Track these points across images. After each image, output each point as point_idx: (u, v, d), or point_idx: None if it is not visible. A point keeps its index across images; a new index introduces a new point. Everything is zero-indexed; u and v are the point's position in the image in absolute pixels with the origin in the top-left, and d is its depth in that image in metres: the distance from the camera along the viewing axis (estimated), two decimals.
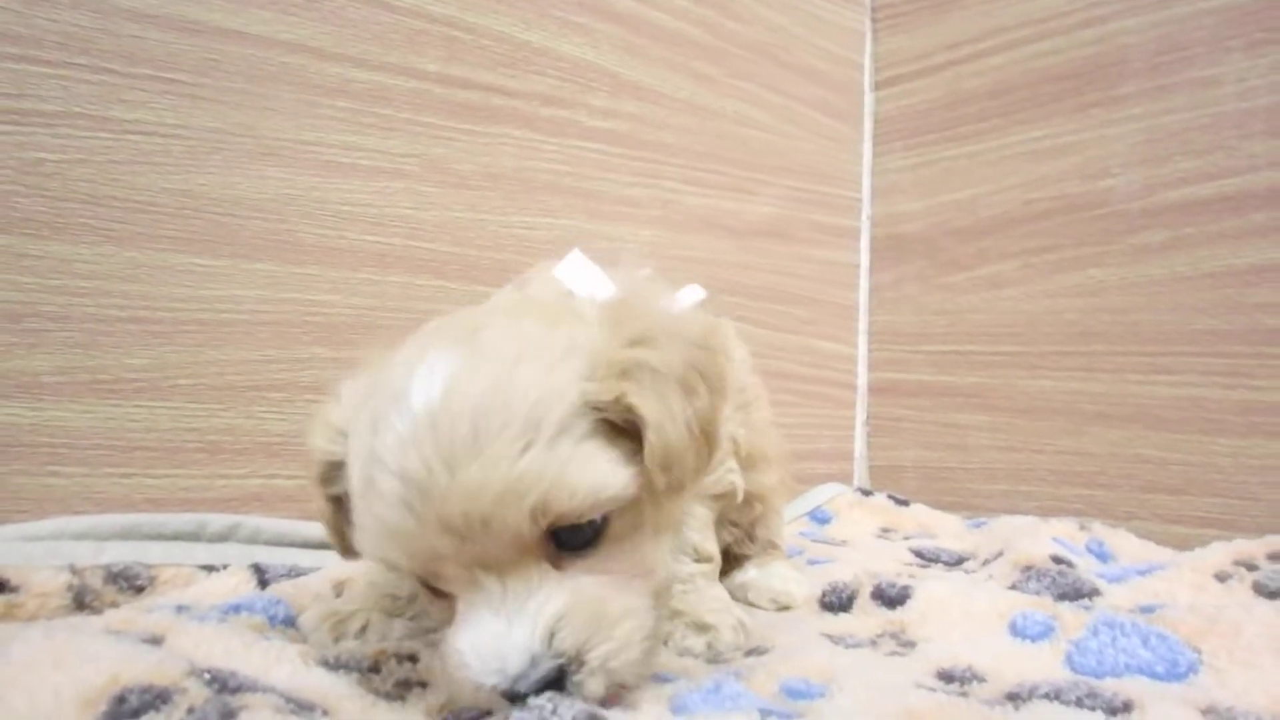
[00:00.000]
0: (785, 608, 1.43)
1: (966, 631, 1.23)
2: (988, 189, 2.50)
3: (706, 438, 0.97)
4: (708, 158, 2.40)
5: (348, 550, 1.02)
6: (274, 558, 1.51)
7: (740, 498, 1.35)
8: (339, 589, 1.32)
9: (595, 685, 0.87)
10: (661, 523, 1.02)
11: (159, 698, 0.77)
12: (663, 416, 0.92)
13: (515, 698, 0.84)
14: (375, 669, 1.00)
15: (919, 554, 1.83)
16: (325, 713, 0.83)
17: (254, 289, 1.68)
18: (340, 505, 1.02)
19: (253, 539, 1.57)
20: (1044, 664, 1.11)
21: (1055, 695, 0.95)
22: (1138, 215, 2.17)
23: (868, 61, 2.85)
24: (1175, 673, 1.07)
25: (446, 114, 1.91)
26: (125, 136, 1.56)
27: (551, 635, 0.86)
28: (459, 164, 1.93)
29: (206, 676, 0.83)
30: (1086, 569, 1.53)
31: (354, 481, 0.92)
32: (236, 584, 1.36)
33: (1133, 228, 2.18)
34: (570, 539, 0.92)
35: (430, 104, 1.89)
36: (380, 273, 1.82)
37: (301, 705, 0.82)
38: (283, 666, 0.95)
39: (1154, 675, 1.06)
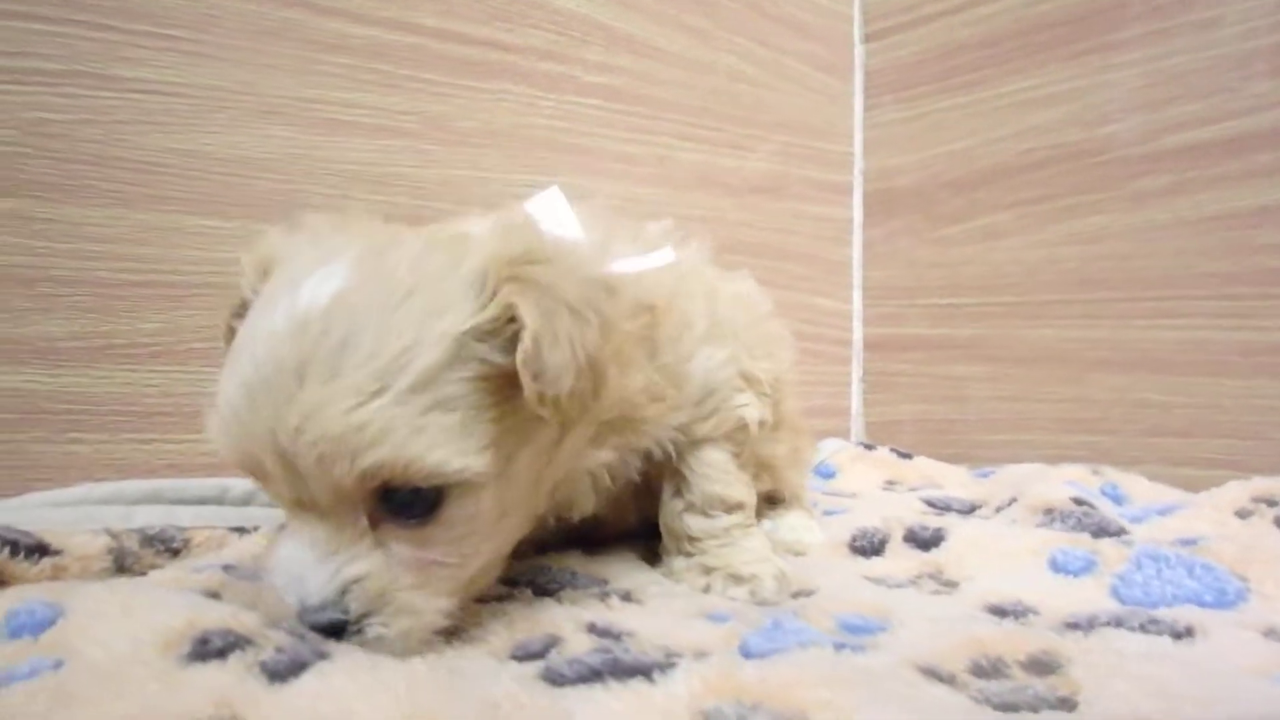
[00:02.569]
0: (799, 554, 1.43)
1: (1005, 569, 1.23)
2: (982, 140, 2.48)
3: (593, 371, 0.94)
4: (703, 113, 2.38)
5: None
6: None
7: (754, 430, 1.30)
8: None
9: (361, 648, 0.83)
10: (510, 504, 0.98)
11: (242, 639, 0.76)
12: (543, 326, 0.89)
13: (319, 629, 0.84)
14: None
15: (930, 503, 1.80)
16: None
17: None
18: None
19: (273, 502, 1.54)
20: (1090, 597, 1.11)
21: (1117, 622, 0.95)
22: (1139, 160, 2.15)
23: (856, 14, 2.82)
24: (1224, 601, 1.07)
25: (445, 70, 1.89)
26: (129, 95, 1.54)
27: (343, 593, 0.85)
28: (459, 121, 1.91)
29: (285, 629, 0.81)
30: (1108, 510, 1.53)
31: (228, 357, 0.92)
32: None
33: (1134, 173, 2.16)
34: (398, 503, 0.89)
35: (428, 60, 1.87)
36: None
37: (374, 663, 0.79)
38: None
39: (1203, 604, 1.07)
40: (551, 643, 0.92)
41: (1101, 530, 1.38)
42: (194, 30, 1.59)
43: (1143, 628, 0.93)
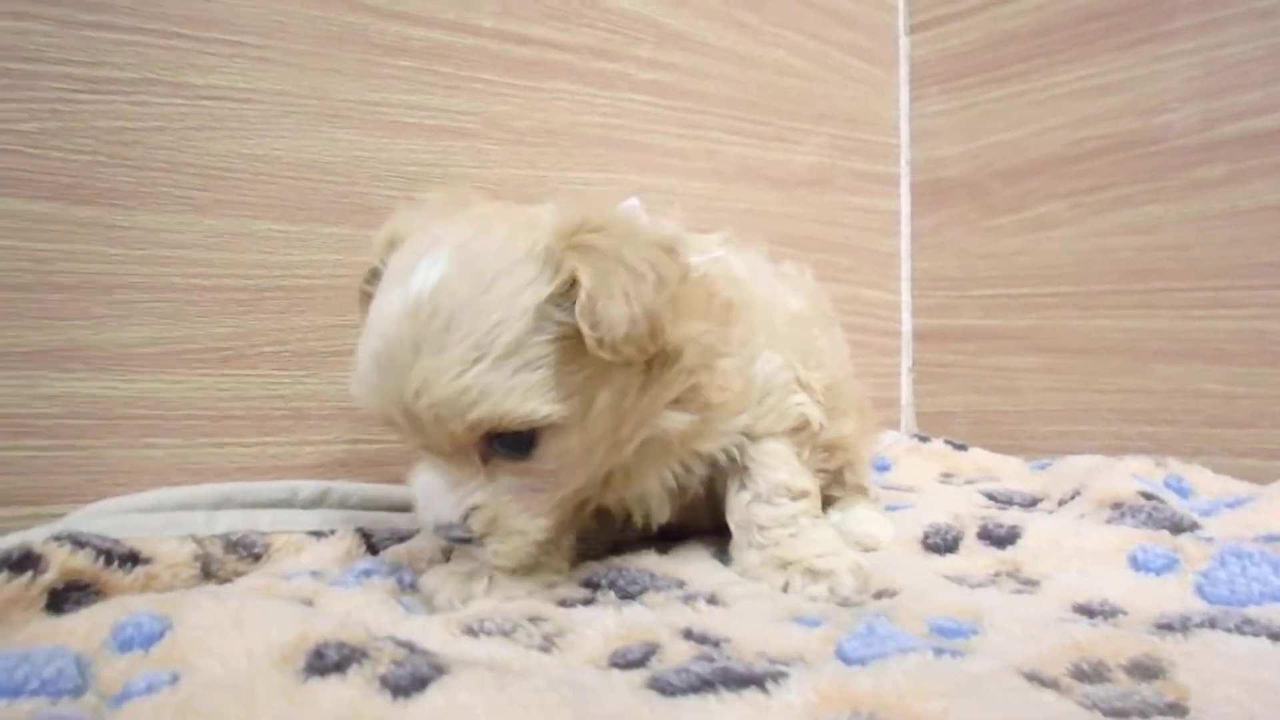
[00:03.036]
0: (869, 550, 1.43)
1: (1083, 567, 1.22)
2: (1033, 130, 2.46)
3: (648, 319, 1.08)
4: (751, 107, 2.38)
5: None
6: (373, 522, 1.52)
7: (816, 428, 1.38)
8: (447, 552, 1.31)
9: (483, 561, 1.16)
10: (594, 440, 1.16)
11: (356, 652, 0.77)
12: (597, 283, 1.06)
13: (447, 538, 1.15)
14: (514, 632, 0.99)
15: (991, 497, 1.80)
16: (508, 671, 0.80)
17: (331, 253, 1.67)
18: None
19: (343, 503, 1.57)
20: (1174, 595, 1.11)
21: (1211, 623, 0.94)
22: (1194, 150, 2.14)
23: (901, 5, 2.81)
24: None
25: (503, 70, 1.89)
26: (199, 102, 1.55)
27: (465, 517, 1.11)
28: (517, 120, 1.91)
29: (389, 641, 0.82)
30: (1176, 504, 1.52)
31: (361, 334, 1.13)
32: (348, 549, 1.38)
33: (1189, 163, 2.15)
34: (503, 443, 1.11)
35: (487, 60, 1.87)
36: None
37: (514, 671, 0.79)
38: (431, 638, 0.95)
39: None
40: (651, 650, 0.94)
41: (1175, 525, 1.38)
42: (262, 36, 1.60)
43: (1239, 629, 0.93)
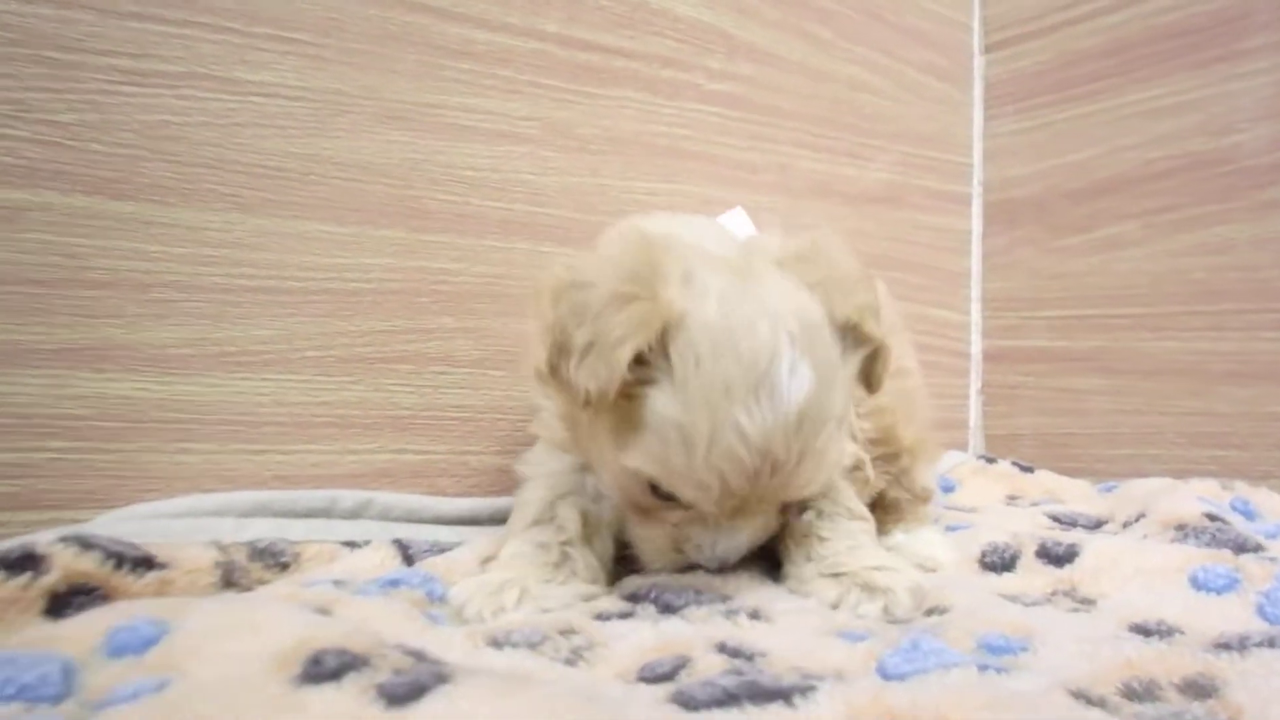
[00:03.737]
0: (930, 570, 1.39)
1: (1143, 586, 1.20)
2: (1104, 150, 2.43)
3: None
4: (822, 122, 2.35)
5: (603, 404, 1.08)
6: (412, 534, 1.48)
7: (868, 474, 1.43)
8: (486, 565, 1.29)
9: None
10: None
11: (357, 659, 0.74)
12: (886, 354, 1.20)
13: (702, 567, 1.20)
14: (541, 644, 0.96)
15: (1055, 519, 1.77)
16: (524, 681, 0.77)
17: (381, 257, 1.64)
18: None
19: (384, 515, 1.54)
20: (1235, 616, 1.08)
21: (1270, 643, 0.90)
22: (1266, 170, 2.11)
23: (976, 24, 2.78)
24: None
25: (567, 76, 1.86)
26: (249, 99, 1.52)
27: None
28: (580, 128, 1.88)
29: (398, 650, 0.79)
30: (1242, 526, 1.48)
31: (698, 427, 1.05)
32: (382, 559, 1.33)
33: (1261, 183, 2.12)
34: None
35: (551, 66, 1.84)
36: (505, 240, 1.78)
37: (520, 679, 0.76)
38: (454, 650, 0.92)
39: None
40: (681, 663, 0.90)
41: (1239, 546, 1.33)
42: (317, 34, 1.58)
43: None
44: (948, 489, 2.19)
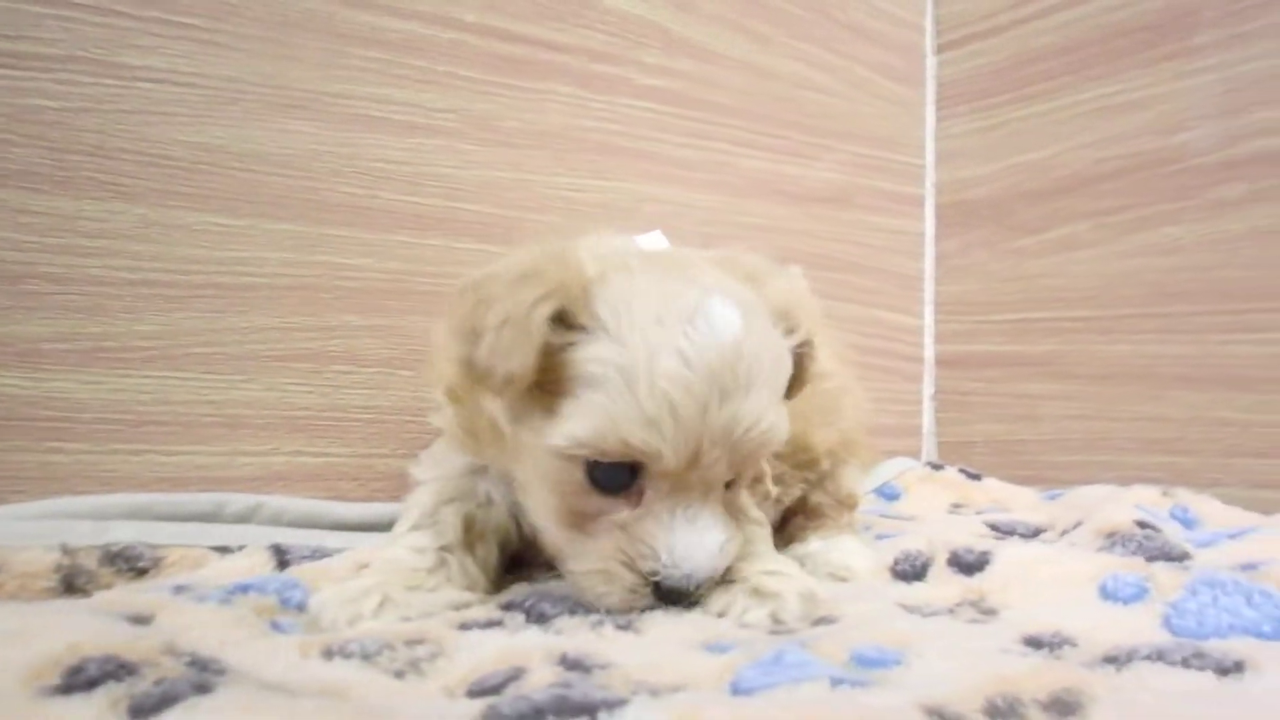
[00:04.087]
0: (842, 580, 1.38)
1: (1053, 596, 1.17)
2: (1057, 150, 2.42)
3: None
4: (765, 120, 2.31)
5: (523, 383, 1.04)
6: (298, 539, 1.42)
7: (767, 485, 1.40)
8: (359, 571, 1.24)
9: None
10: None
11: (123, 669, 0.71)
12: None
13: (674, 597, 1.07)
14: (378, 655, 0.91)
15: (994, 527, 1.74)
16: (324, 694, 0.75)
17: (278, 251, 1.59)
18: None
19: (276, 520, 1.49)
20: (1140, 627, 1.04)
21: (1158, 656, 0.87)
22: (1215, 169, 2.10)
23: (929, 24, 2.76)
24: None
25: (488, 68, 1.82)
26: (135, 84, 1.48)
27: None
28: (502, 121, 1.84)
29: (186, 658, 0.76)
30: (1174, 534, 1.45)
31: (637, 360, 1.02)
32: (252, 565, 1.28)
33: (1210, 182, 2.10)
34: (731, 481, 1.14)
35: (469, 56, 1.80)
36: (418, 235, 1.74)
37: (291, 691, 0.71)
38: (278, 660, 0.88)
39: (1260, 635, 0.99)
40: (514, 676, 0.86)
41: (1163, 555, 1.30)
42: (211, 19, 1.53)
43: (1185, 662, 0.86)
44: (892, 496, 2.18)
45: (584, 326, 1.04)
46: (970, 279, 2.62)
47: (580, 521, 1.10)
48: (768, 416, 1.07)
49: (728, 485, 1.14)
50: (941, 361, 2.71)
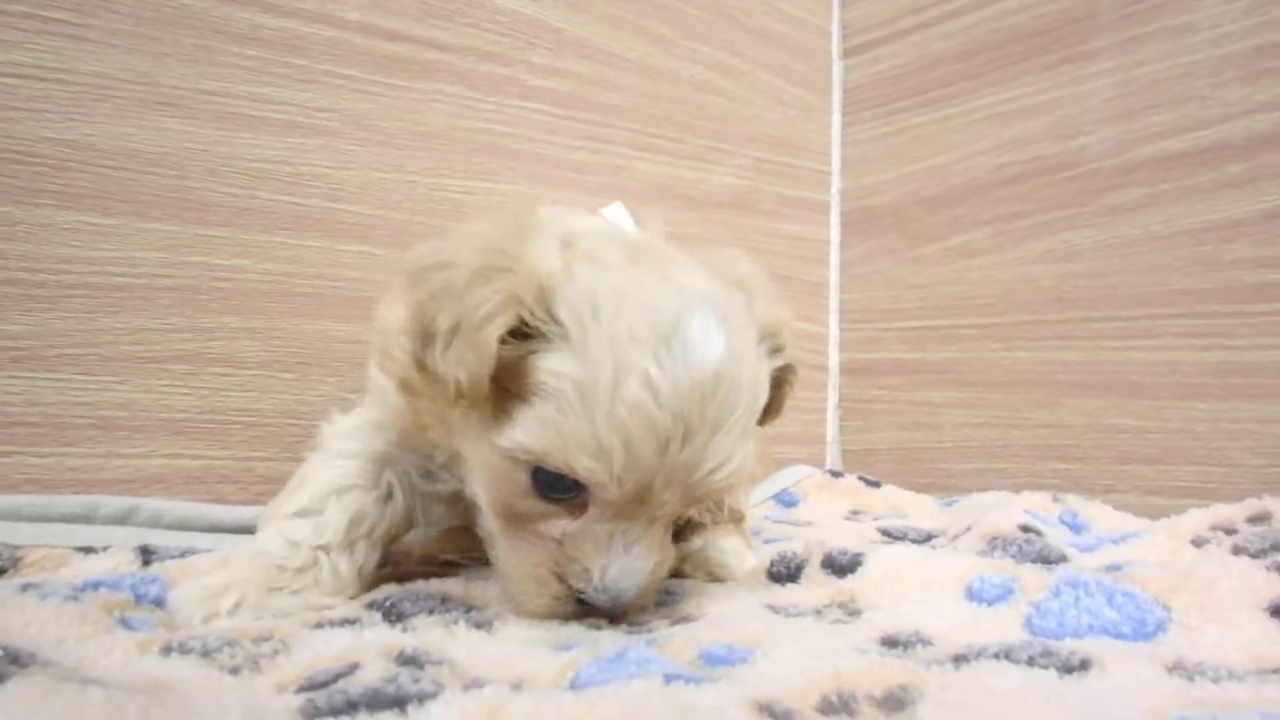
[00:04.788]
0: (719, 579, 1.38)
1: (921, 598, 1.17)
2: (958, 155, 2.43)
3: None
4: (662, 123, 2.31)
5: (476, 396, 0.99)
6: (170, 541, 1.40)
7: None
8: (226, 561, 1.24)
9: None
10: None
11: None
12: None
13: (598, 613, 1.04)
14: (218, 651, 0.90)
15: (885, 532, 1.76)
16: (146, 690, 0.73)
17: (153, 251, 1.57)
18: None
19: (154, 522, 1.47)
20: (1001, 627, 1.06)
21: (1005, 654, 0.87)
22: (1110, 174, 2.10)
23: (836, 29, 2.76)
24: (1143, 632, 1.01)
25: (370, 67, 1.81)
26: None
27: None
28: (384, 121, 1.82)
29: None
30: (1057, 538, 1.47)
31: (598, 379, 0.96)
32: (116, 565, 1.25)
33: (1105, 187, 2.11)
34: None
35: (351, 56, 1.79)
36: (297, 236, 1.72)
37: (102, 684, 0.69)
38: (114, 656, 0.87)
39: (1119, 635, 1.00)
40: (346, 671, 0.84)
41: (1041, 558, 1.32)
42: (80, 14, 1.51)
43: (1030, 660, 0.85)
44: (790, 503, 2.19)
45: (543, 335, 0.98)
46: (874, 286, 2.63)
47: (519, 521, 1.06)
48: (734, 459, 1.02)
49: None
50: (845, 369, 2.71)
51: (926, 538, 1.69)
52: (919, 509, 2.08)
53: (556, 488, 1.01)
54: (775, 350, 1.14)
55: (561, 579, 1.03)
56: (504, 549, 1.09)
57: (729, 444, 1.01)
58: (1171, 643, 0.97)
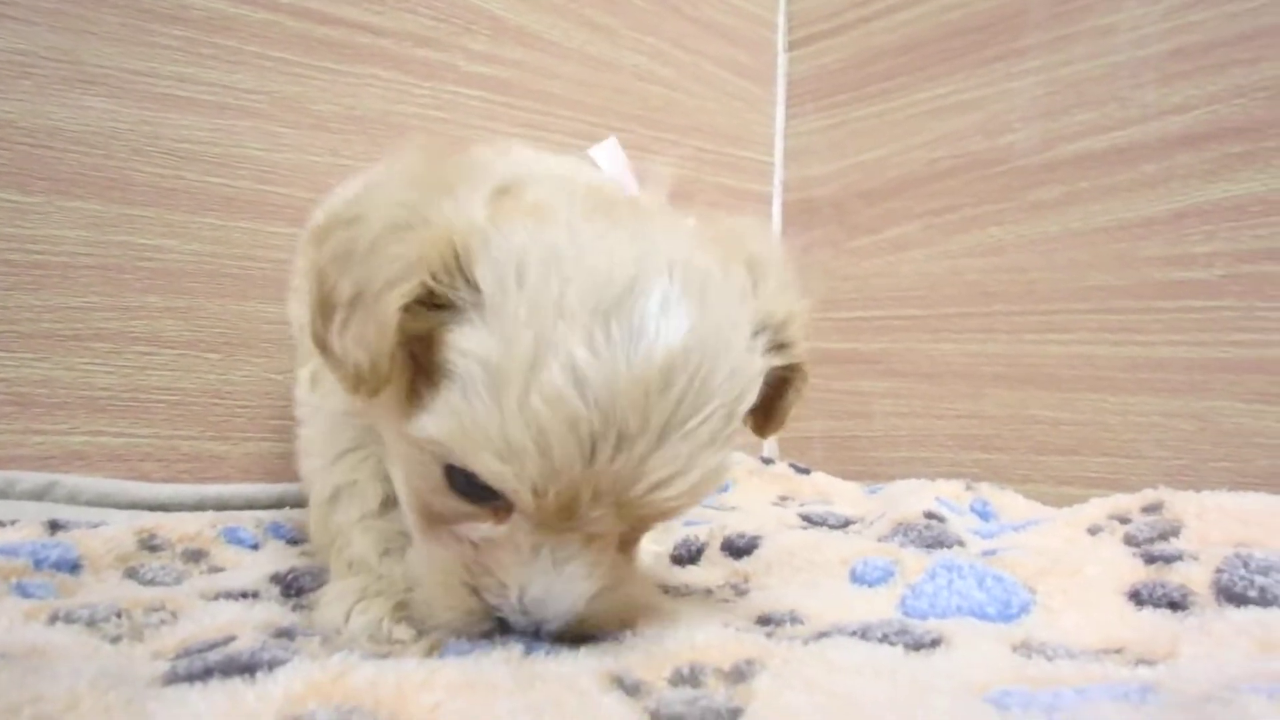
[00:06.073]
0: None
1: (808, 579, 1.22)
2: (894, 149, 2.45)
3: None
4: (603, 112, 2.32)
5: (378, 382, 0.83)
6: (82, 516, 1.41)
7: None
8: (144, 536, 1.28)
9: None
10: None
11: None
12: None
13: (516, 630, 0.85)
14: (104, 621, 0.93)
15: (807, 518, 1.78)
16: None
17: (75, 229, 1.59)
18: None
19: (71, 499, 1.50)
20: (877, 607, 1.09)
21: (862, 633, 0.91)
22: (1036, 171, 2.13)
23: (781, 21, 2.77)
24: (1007, 614, 1.05)
25: (302, 50, 1.82)
26: None
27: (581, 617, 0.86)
28: (316, 104, 1.84)
29: None
30: (960, 525, 1.51)
31: (511, 361, 0.78)
32: (22, 538, 1.25)
33: (1030, 184, 2.14)
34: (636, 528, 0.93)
35: (282, 38, 1.80)
36: (226, 217, 1.73)
37: None
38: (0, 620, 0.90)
39: (985, 616, 1.05)
40: (221, 642, 0.88)
41: (936, 544, 1.35)
42: None
43: (884, 639, 0.89)
44: (720, 489, 2.17)
45: (455, 304, 0.82)
46: (812, 277, 2.61)
47: (436, 520, 0.91)
48: (689, 474, 0.82)
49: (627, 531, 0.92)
50: None
51: (845, 523, 1.71)
52: (845, 496, 2.10)
53: (473, 489, 0.85)
54: (779, 345, 0.95)
55: (475, 592, 0.87)
56: (418, 550, 0.95)
57: (683, 454, 0.81)
58: (1030, 624, 1.01)
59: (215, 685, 0.68)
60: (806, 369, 1.01)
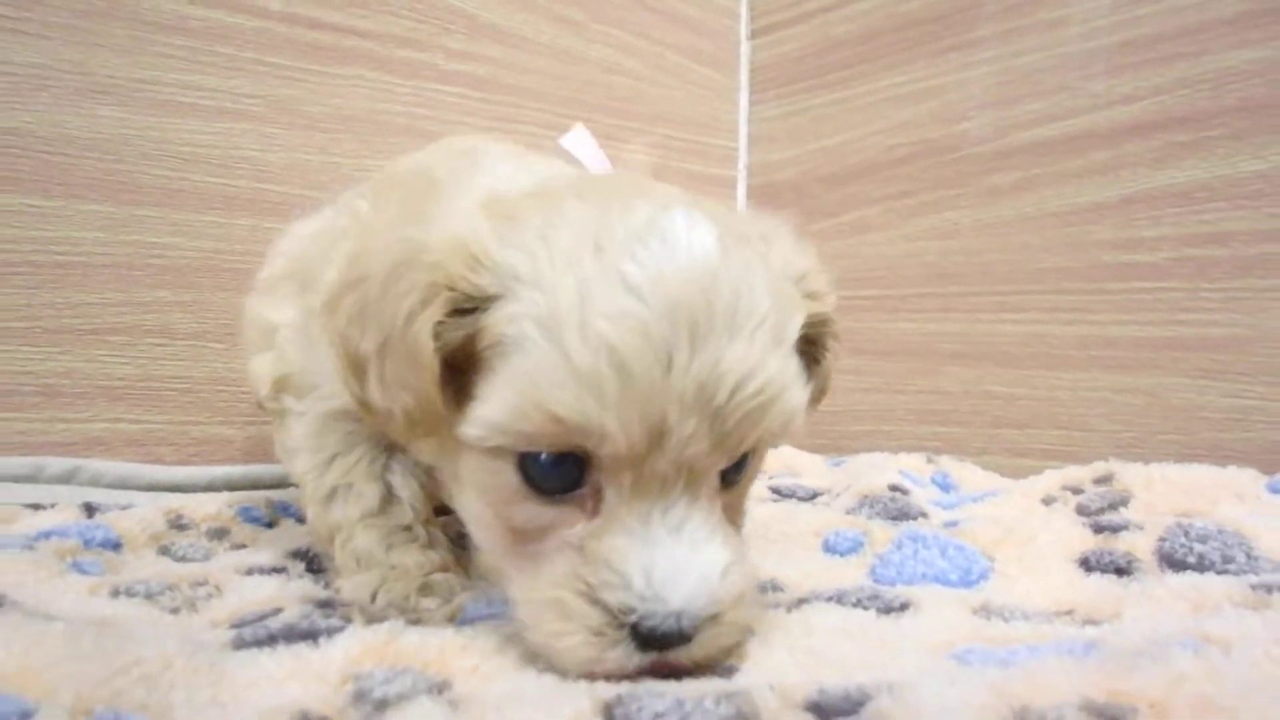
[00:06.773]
0: None
1: (783, 550, 1.27)
2: (854, 135, 2.50)
3: None
4: (573, 104, 2.37)
5: (432, 418, 0.81)
6: (110, 498, 1.52)
7: None
8: (172, 516, 1.36)
9: (709, 649, 0.78)
10: None
11: None
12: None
13: (660, 642, 0.75)
14: (160, 595, 1.01)
15: (776, 490, 1.84)
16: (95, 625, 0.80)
17: (90, 230, 1.66)
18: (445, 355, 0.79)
19: (94, 482, 1.56)
20: (848, 576, 1.15)
21: (838, 599, 0.97)
22: (990, 157, 2.18)
23: (744, 10, 2.81)
24: (968, 580, 1.11)
25: (293, 54, 1.88)
26: None
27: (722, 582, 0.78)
28: (308, 105, 1.90)
29: None
30: (924, 497, 1.57)
31: (559, 300, 0.75)
32: (63, 520, 1.35)
33: (985, 170, 2.19)
34: (731, 471, 0.84)
35: (275, 44, 1.86)
36: (226, 215, 1.80)
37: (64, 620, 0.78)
38: (68, 598, 0.98)
39: (948, 583, 1.11)
40: (270, 613, 0.97)
41: (900, 516, 1.41)
42: (17, 8, 1.59)
43: (859, 603, 0.95)
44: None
45: (490, 296, 0.78)
46: None
47: (522, 540, 0.82)
48: (768, 366, 0.77)
49: (726, 479, 0.84)
50: None
51: (813, 495, 1.77)
52: (810, 469, 2.15)
53: (554, 479, 0.79)
54: (807, 295, 0.91)
55: (594, 600, 0.75)
56: (515, 581, 0.83)
57: (755, 351, 0.77)
58: (989, 589, 1.08)
59: (281, 649, 0.77)
60: (837, 326, 0.99)
